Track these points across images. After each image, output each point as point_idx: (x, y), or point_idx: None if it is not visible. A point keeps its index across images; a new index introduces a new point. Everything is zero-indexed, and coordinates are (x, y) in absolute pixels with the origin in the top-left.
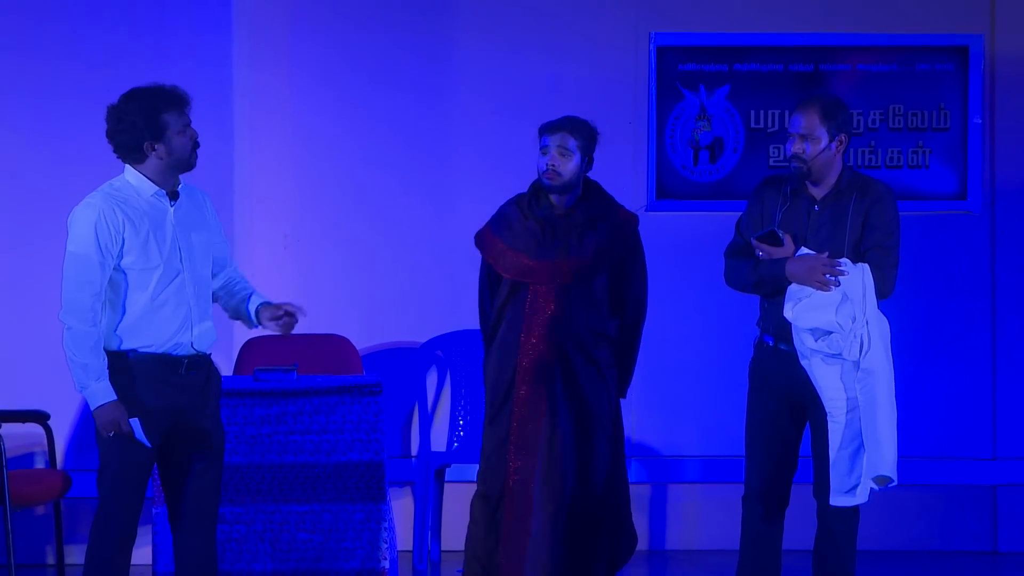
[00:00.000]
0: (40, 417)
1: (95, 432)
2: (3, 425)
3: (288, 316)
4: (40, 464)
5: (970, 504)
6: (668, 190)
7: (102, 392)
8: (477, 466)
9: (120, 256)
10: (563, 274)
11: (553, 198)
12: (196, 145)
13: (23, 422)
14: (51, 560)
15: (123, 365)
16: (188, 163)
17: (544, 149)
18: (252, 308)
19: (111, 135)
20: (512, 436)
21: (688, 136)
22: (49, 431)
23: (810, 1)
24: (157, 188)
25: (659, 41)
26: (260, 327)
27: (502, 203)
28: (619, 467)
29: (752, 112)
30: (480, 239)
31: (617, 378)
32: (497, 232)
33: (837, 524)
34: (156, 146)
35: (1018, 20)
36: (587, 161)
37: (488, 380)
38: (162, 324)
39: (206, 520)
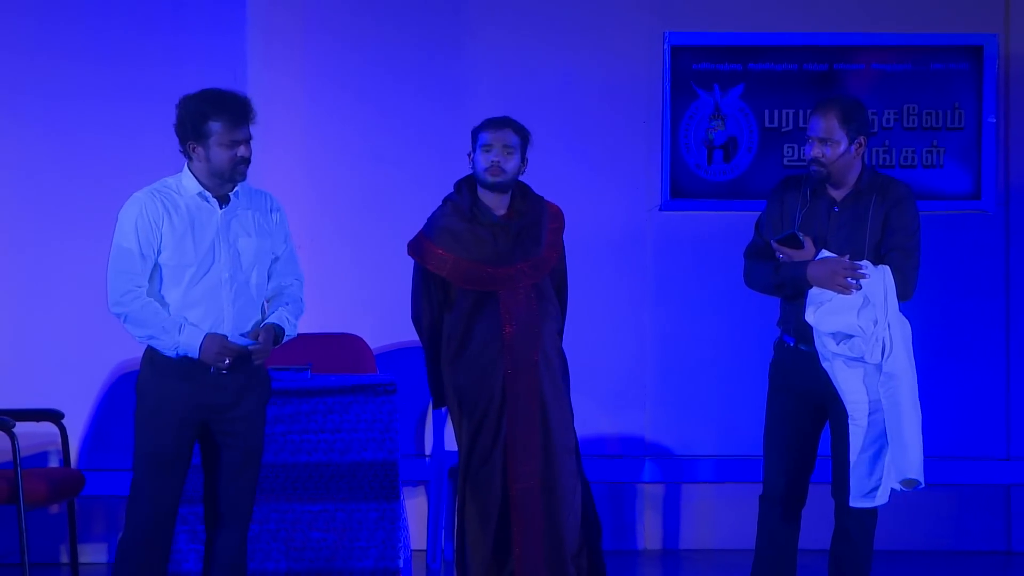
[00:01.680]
0: (54, 416)
1: (134, 417)
2: (17, 424)
3: (255, 336)
4: (54, 463)
5: (984, 504)
6: (682, 189)
7: (190, 337)
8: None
9: (159, 251)
10: (530, 276)
11: (489, 201)
12: (241, 161)
13: (37, 421)
14: (65, 559)
15: (155, 359)
16: (226, 176)
17: (487, 147)
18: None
19: (175, 127)
20: (509, 444)
21: (702, 135)
22: (63, 430)
23: (824, 1)
24: (202, 189)
25: (673, 41)
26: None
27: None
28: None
29: (766, 111)
30: (422, 252)
31: None
32: (442, 245)
33: (854, 524)
34: (197, 148)
35: None
36: (523, 162)
37: (465, 394)
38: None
39: (238, 521)
